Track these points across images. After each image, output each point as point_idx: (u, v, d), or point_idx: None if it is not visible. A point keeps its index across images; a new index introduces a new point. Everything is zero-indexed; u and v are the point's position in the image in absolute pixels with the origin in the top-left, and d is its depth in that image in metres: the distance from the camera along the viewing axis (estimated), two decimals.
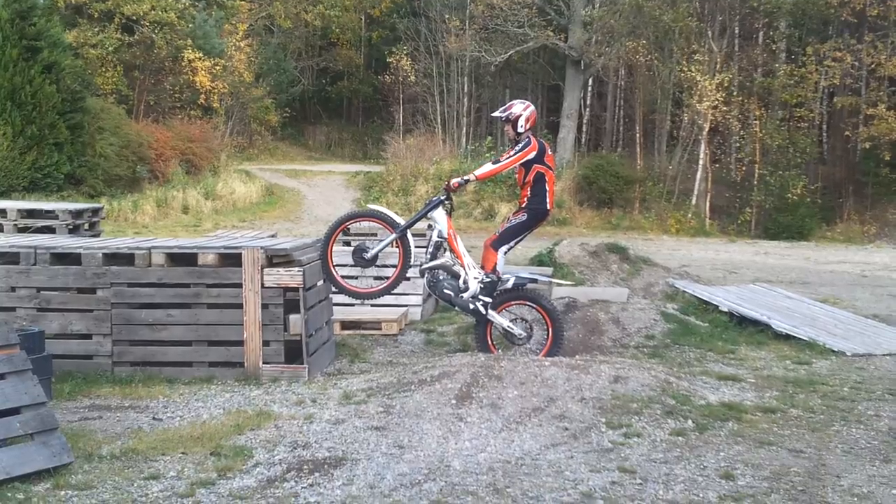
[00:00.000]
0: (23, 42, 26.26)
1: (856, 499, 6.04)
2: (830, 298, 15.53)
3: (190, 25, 37.53)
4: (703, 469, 6.51)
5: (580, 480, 6.21)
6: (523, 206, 9.59)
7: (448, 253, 9.73)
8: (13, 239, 10.47)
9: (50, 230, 12.66)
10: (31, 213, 13.18)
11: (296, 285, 9.00)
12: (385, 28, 48.37)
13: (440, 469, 6.39)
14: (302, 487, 6.04)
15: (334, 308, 11.13)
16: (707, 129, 33.70)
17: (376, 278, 11.67)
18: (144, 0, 35.39)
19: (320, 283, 9.97)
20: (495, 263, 9.57)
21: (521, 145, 9.42)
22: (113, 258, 9.26)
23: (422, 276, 9.91)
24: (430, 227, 9.78)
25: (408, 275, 10.16)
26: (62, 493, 5.85)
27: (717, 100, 33.29)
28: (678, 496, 5.99)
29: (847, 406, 8.47)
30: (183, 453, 6.68)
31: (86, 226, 13.70)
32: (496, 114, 9.85)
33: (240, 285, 9.01)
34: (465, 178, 9.48)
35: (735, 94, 34.72)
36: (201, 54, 37.22)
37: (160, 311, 9.19)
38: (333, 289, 10.20)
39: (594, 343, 11.17)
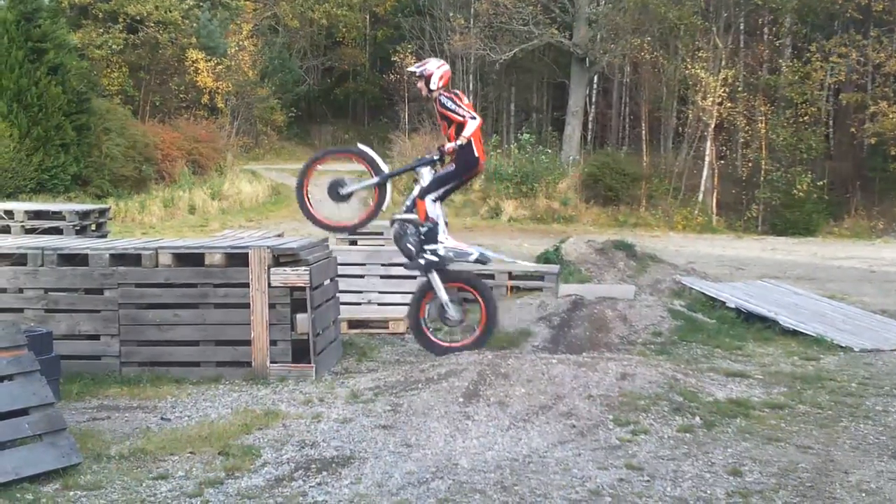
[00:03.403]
0: (28, 44, 26.32)
1: (864, 495, 6.03)
2: (838, 294, 15.49)
3: (194, 25, 37.57)
4: (710, 466, 6.51)
5: (588, 478, 6.20)
6: (453, 157, 9.52)
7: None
8: (20, 240, 10.50)
9: (57, 231, 12.67)
10: (38, 215, 13.18)
11: (303, 284, 9.01)
12: (390, 27, 48.35)
13: (448, 467, 6.39)
14: (310, 486, 6.04)
15: (341, 307, 11.14)
16: (713, 126, 33.63)
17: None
18: (149, 0, 35.43)
19: (327, 282, 9.98)
20: (426, 212, 9.48)
21: (450, 102, 9.35)
22: (120, 259, 9.28)
23: (391, 224, 9.82)
24: (415, 181, 9.70)
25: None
26: (71, 493, 5.86)
27: (722, 96, 33.22)
28: (686, 493, 5.99)
29: (855, 402, 8.45)
30: (191, 453, 6.69)
31: (93, 227, 13.71)
32: (411, 69, 9.81)
33: (247, 285, 9.02)
34: (459, 142, 9.39)
35: (740, 90, 34.65)
36: (204, 54, 37.26)
37: (167, 312, 9.20)
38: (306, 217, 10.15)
39: (601, 340, 11.17)
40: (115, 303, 9.17)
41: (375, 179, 9.52)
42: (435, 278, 9.52)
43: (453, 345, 9.77)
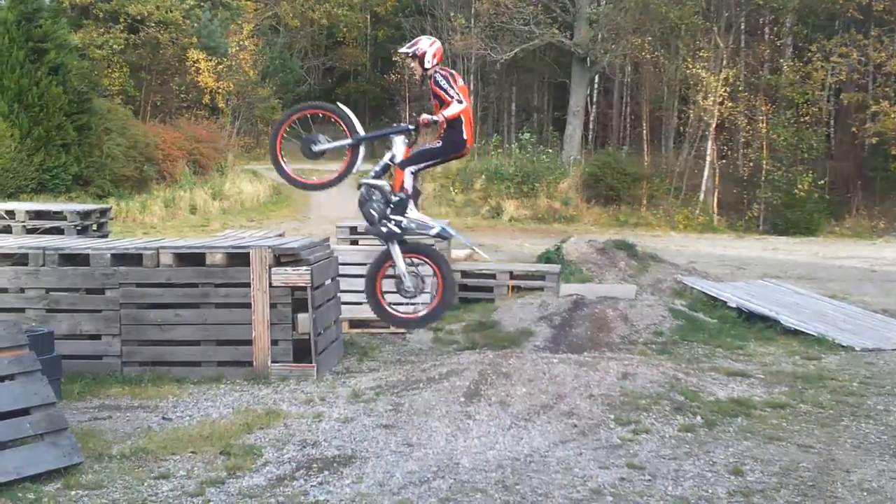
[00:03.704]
0: (29, 44, 26.30)
1: (865, 493, 6.03)
2: (839, 294, 15.49)
3: (195, 25, 37.58)
4: (712, 465, 6.51)
5: (589, 477, 6.21)
6: (441, 135, 9.49)
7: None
8: (22, 240, 10.51)
9: (58, 231, 12.68)
10: (39, 215, 13.19)
11: (304, 284, 9.01)
12: (391, 27, 48.34)
13: (449, 467, 6.39)
14: (311, 486, 6.05)
15: (342, 307, 11.14)
16: (714, 126, 33.61)
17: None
18: (149, 0, 35.42)
19: (328, 281, 9.98)
20: (402, 182, 9.44)
21: (444, 81, 9.30)
22: (121, 259, 9.28)
23: (358, 188, 9.77)
24: (387, 147, 9.64)
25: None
26: (73, 492, 5.87)
27: (723, 95, 33.21)
28: (687, 492, 5.99)
29: (856, 401, 8.45)
30: (192, 452, 6.70)
31: (94, 227, 13.71)
32: (403, 49, 9.69)
33: (248, 285, 9.02)
34: (435, 118, 9.34)
35: (741, 90, 34.63)
36: (205, 54, 37.26)
37: (169, 311, 9.21)
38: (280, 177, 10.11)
39: (602, 340, 11.17)
40: (117, 302, 9.17)
41: (349, 140, 9.47)
42: (395, 248, 9.48)
43: (407, 316, 9.73)
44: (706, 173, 33.59)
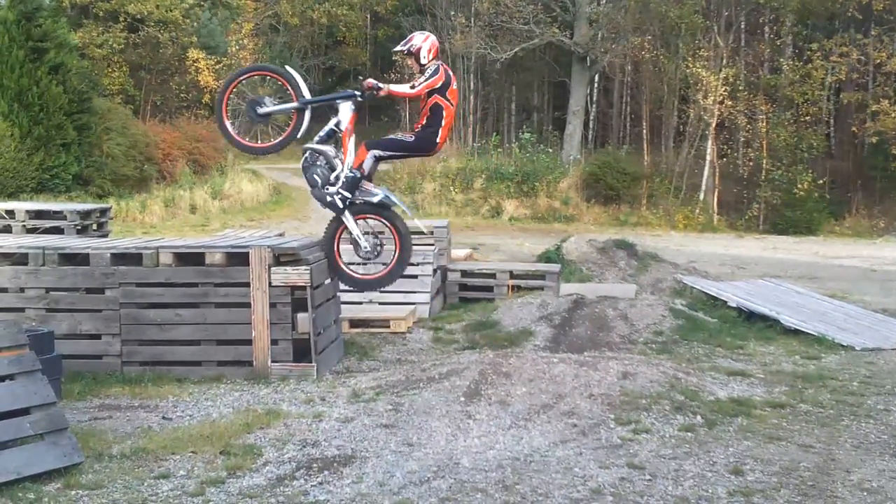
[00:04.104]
0: (29, 43, 26.28)
1: (865, 493, 6.03)
2: (839, 293, 15.49)
3: (195, 24, 37.57)
4: (712, 465, 6.51)
5: (589, 477, 6.21)
6: (417, 130, 9.45)
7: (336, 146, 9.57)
8: (22, 240, 10.51)
9: (58, 231, 12.68)
10: (39, 214, 13.19)
11: (303, 284, 9.01)
12: (391, 26, 48.33)
13: (449, 466, 6.39)
14: (311, 486, 6.05)
15: (342, 306, 11.14)
16: (714, 125, 33.62)
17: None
18: None
19: (328, 281, 9.98)
20: (363, 161, 9.41)
21: (430, 72, 9.22)
22: (121, 258, 9.29)
23: (302, 153, 9.75)
24: (333, 113, 9.60)
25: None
26: (73, 492, 5.87)
27: (723, 95, 33.22)
28: (687, 492, 5.99)
29: (856, 401, 8.45)
30: (193, 452, 6.70)
31: (94, 226, 13.72)
32: (398, 48, 9.65)
33: (248, 284, 9.02)
34: (380, 85, 9.31)
35: (741, 89, 34.64)
36: (205, 53, 37.26)
37: (169, 311, 9.21)
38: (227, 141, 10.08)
39: (602, 339, 11.17)
40: (117, 302, 9.18)
41: (295, 104, 9.44)
42: (348, 217, 9.47)
43: (367, 277, 9.73)
44: (706, 173, 33.60)
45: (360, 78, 9.50)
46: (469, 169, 33.40)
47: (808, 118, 34.68)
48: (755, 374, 9.42)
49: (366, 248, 9.51)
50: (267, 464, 6.47)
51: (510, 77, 43.19)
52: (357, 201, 9.44)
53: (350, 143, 9.39)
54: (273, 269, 9.02)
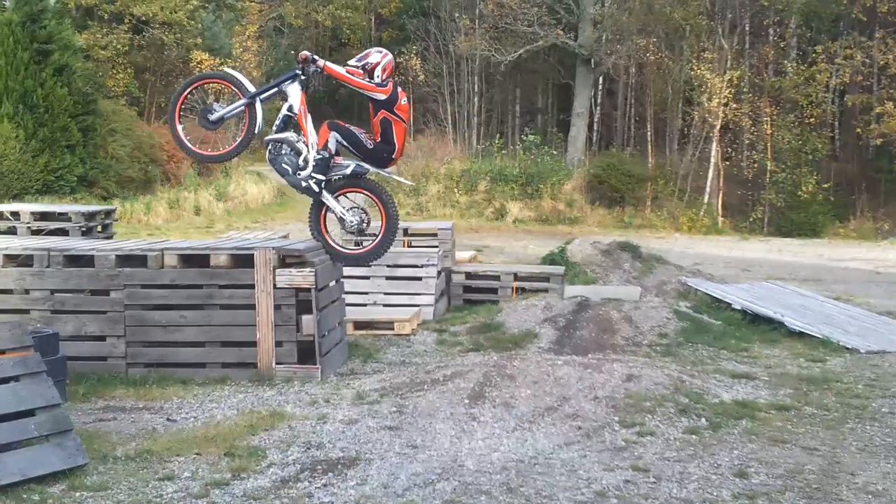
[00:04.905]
0: (34, 45, 26.33)
1: (870, 496, 6.02)
2: (844, 296, 15.47)
3: (199, 26, 37.60)
4: (716, 467, 6.50)
5: (594, 479, 6.20)
6: (377, 141, 9.41)
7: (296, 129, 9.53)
8: (27, 241, 10.52)
9: (63, 232, 12.69)
10: (44, 216, 13.20)
11: (308, 286, 9.02)
12: (395, 28, 48.32)
13: (454, 468, 6.39)
14: (316, 487, 6.05)
15: (347, 308, 11.14)
16: (718, 127, 33.58)
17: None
18: (154, 1, 35.46)
19: (332, 283, 9.98)
20: (328, 141, 9.39)
21: (375, 81, 9.22)
22: (126, 260, 9.30)
23: (265, 147, 9.73)
24: (282, 99, 9.58)
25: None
26: (77, 494, 5.88)
27: (727, 97, 33.19)
28: (692, 495, 5.98)
29: (861, 403, 8.44)
30: (197, 454, 6.70)
31: (98, 228, 13.72)
32: (352, 62, 9.61)
33: (252, 286, 9.03)
34: (315, 57, 9.28)
35: (746, 91, 34.61)
36: (208, 55, 37.29)
37: (173, 313, 9.22)
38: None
39: (607, 342, 11.16)
40: (121, 304, 9.19)
41: (243, 101, 9.43)
42: (327, 197, 9.45)
43: (357, 251, 9.70)
44: (710, 175, 33.55)
45: (293, 52, 9.49)
46: (473, 171, 33.37)
47: (812, 120, 34.60)
48: (760, 377, 9.40)
49: (352, 222, 9.48)
50: (271, 466, 6.47)
51: (514, 79, 43.19)
52: (332, 179, 9.44)
53: (308, 124, 9.35)
54: (278, 270, 9.03)
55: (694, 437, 7.21)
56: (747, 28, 36.66)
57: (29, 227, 12.86)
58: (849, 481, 6.28)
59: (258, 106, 9.27)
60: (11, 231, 12.80)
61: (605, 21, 37.13)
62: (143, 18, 35.61)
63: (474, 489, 5.99)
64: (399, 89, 9.26)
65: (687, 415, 7.64)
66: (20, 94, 25.90)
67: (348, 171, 9.38)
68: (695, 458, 6.69)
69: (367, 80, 9.06)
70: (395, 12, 47.91)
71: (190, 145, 9.61)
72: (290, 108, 9.31)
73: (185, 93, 9.53)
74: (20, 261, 9.37)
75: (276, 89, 9.45)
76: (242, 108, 9.32)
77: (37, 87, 26.05)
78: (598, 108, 41.75)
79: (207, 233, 23.75)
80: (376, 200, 9.46)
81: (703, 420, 7.57)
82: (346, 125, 9.38)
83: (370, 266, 13.18)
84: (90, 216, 13.51)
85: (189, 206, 29.04)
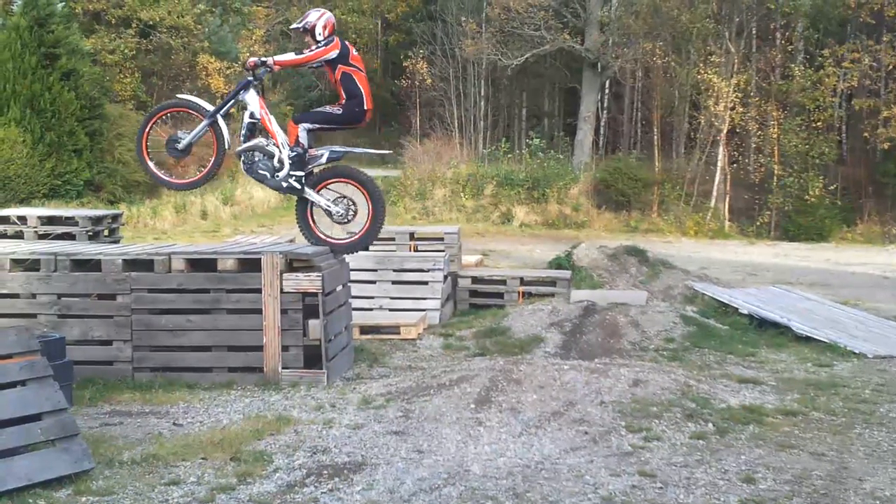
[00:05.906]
0: (41, 49, 26.44)
1: (878, 502, 6.00)
2: (851, 300, 15.45)
3: (206, 30, 37.67)
4: (724, 473, 6.48)
5: (600, 485, 6.19)
6: (342, 103, 9.44)
7: (262, 134, 9.56)
8: (33, 246, 10.54)
9: (70, 237, 12.72)
10: (50, 220, 13.24)
11: (315, 290, 9.02)
12: (401, 32, 48.41)
13: (460, 474, 6.38)
14: (322, 493, 6.04)
15: (353, 313, 11.14)
16: (725, 131, 33.54)
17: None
18: (161, 5, 35.53)
19: (339, 287, 9.98)
20: (297, 136, 9.42)
21: (322, 42, 9.27)
22: (133, 264, 9.31)
23: (238, 158, 9.76)
24: (242, 108, 9.62)
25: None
26: (83, 499, 5.88)
27: (734, 101, 33.16)
28: (699, 500, 5.97)
29: (869, 408, 8.41)
30: (203, 459, 6.70)
31: (105, 232, 13.75)
32: (294, 25, 9.73)
33: (259, 290, 9.03)
34: (263, 59, 9.36)
35: (753, 95, 34.58)
36: (215, 59, 37.36)
37: (180, 317, 9.23)
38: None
39: (613, 346, 11.15)
40: (128, 308, 9.19)
41: (205, 122, 9.47)
42: (310, 193, 9.48)
43: (345, 241, 9.72)
44: (717, 179, 33.52)
45: (240, 61, 9.57)
46: (479, 175, 33.36)
47: (819, 124, 34.54)
48: (767, 382, 9.38)
49: (338, 212, 9.53)
50: (277, 470, 6.47)
51: (521, 83, 43.17)
52: (312, 172, 9.48)
53: (274, 125, 9.46)
54: (285, 275, 9.03)
55: (701, 442, 7.19)
56: (754, 32, 36.63)
57: (36, 232, 12.90)
58: (856, 487, 6.26)
59: (221, 122, 9.36)
60: (18, 235, 12.84)
61: (611, 25, 37.14)
62: (151, 23, 35.70)
63: (480, 494, 5.98)
64: (346, 42, 9.37)
65: (694, 420, 7.63)
66: (27, 98, 26.00)
67: (323, 158, 9.46)
68: (702, 464, 6.67)
69: (315, 46, 9.18)
70: (402, 16, 47.98)
71: (167, 178, 9.77)
72: (251, 115, 9.42)
73: (147, 129, 9.67)
74: (27, 265, 9.39)
75: (232, 101, 9.55)
76: (206, 128, 9.42)
77: (44, 91, 26.15)
78: (605, 111, 41.75)
79: (214, 237, 23.81)
80: (357, 185, 9.50)
81: (710, 425, 7.55)
82: (310, 111, 9.47)
83: (377, 270, 13.27)
84: (97, 220, 13.54)
85: (195, 210, 29.10)
